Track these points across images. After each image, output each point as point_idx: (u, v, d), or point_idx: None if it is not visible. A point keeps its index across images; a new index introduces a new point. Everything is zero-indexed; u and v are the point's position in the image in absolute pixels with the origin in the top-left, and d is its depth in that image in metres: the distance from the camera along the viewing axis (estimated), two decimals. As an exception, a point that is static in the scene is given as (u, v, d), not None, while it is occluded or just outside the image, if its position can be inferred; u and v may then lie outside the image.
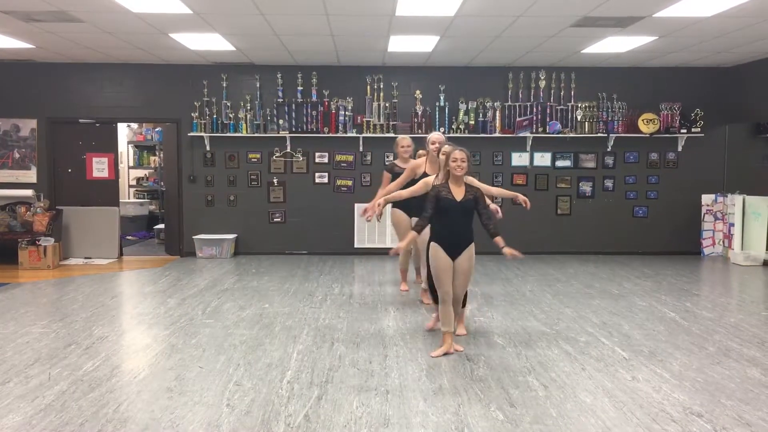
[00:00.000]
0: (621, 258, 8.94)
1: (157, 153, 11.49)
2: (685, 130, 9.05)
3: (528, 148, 9.18)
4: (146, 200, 11.82)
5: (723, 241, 9.07)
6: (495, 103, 9.05)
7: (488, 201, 4.87)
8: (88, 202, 9.08)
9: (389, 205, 5.82)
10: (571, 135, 9.07)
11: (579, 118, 9.10)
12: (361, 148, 9.12)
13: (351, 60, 8.63)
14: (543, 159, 9.25)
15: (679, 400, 3.70)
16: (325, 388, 3.89)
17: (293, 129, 9.04)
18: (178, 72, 8.98)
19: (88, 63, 8.86)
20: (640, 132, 9.01)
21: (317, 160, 9.20)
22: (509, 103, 9.09)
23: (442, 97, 9.04)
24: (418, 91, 8.99)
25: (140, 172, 11.97)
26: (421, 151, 6.43)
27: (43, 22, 6.45)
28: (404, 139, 6.46)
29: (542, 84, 9.08)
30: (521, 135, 9.03)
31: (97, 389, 3.86)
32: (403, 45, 7.52)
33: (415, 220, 5.27)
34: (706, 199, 9.13)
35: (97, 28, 6.73)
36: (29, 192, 8.89)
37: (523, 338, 4.98)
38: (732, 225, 8.81)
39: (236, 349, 4.68)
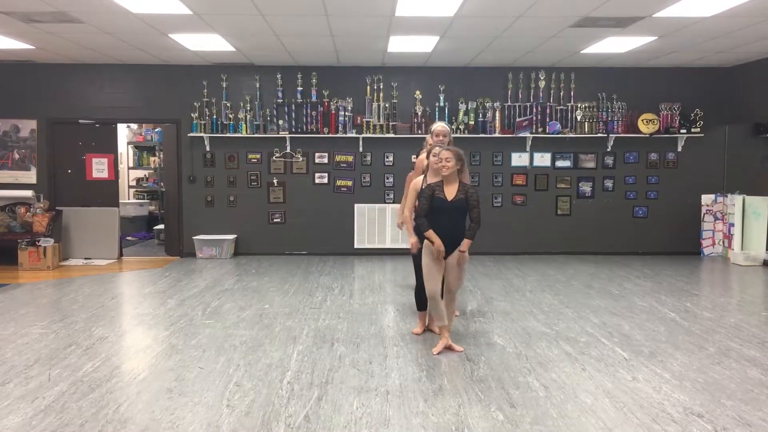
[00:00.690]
0: (621, 258, 8.94)
1: (157, 153, 11.50)
2: (684, 131, 9.05)
3: (528, 149, 9.18)
4: (146, 201, 11.81)
5: (723, 241, 9.07)
6: (495, 104, 9.04)
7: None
8: (88, 202, 9.07)
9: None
10: (571, 135, 9.06)
11: (579, 118, 9.09)
12: (360, 149, 9.11)
13: (351, 60, 8.63)
14: (543, 159, 9.24)
15: (680, 401, 3.70)
16: (325, 388, 3.89)
17: (293, 129, 9.03)
18: (178, 72, 8.98)
19: (87, 63, 8.85)
20: (640, 132, 9.01)
21: (317, 160, 9.20)
22: (509, 103, 9.08)
23: (441, 98, 9.04)
24: (417, 92, 8.99)
25: (140, 173, 11.97)
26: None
27: (42, 23, 6.45)
28: (438, 126, 5.26)
29: (542, 84, 9.08)
30: (521, 135, 9.02)
31: (97, 390, 3.85)
32: (403, 45, 7.51)
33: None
34: (706, 199, 9.13)
35: (96, 29, 6.73)
36: (29, 193, 8.88)
37: (523, 338, 4.98)
38: (732, 225, 8.81)
39: (236, 350, 4.67)
